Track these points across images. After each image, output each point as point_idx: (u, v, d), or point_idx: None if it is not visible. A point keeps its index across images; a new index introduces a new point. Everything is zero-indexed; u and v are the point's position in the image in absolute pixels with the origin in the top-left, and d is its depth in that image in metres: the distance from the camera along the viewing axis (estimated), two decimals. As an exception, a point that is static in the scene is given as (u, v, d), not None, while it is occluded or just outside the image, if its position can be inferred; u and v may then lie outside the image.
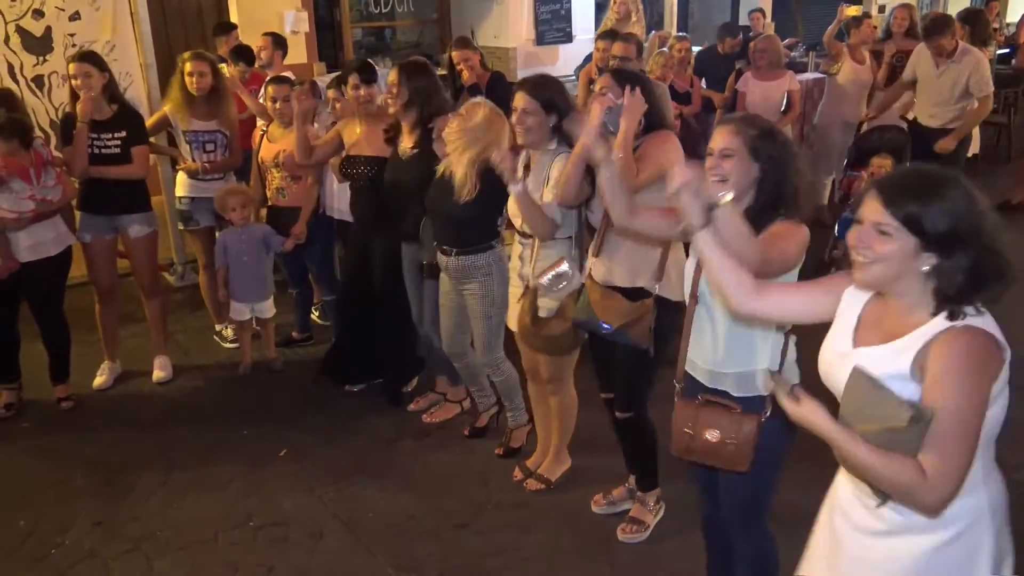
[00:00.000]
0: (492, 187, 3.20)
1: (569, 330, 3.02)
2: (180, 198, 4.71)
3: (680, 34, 6.86)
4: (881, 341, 1.65)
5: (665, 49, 6.12)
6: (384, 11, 9.14)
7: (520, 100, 2.99)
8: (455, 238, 3.37)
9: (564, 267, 2.99)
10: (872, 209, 1.60)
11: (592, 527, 3.20)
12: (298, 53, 7.26)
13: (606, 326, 2.76)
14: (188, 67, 4.38)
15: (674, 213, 2.19)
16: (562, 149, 3.01)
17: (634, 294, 2.80)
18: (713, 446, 2.20)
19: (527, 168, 3.13)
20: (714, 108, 6.44)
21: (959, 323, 1.55)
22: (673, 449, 2.32)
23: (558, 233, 3.04)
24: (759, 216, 2.13)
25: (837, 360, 1.72)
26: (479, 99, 3.44)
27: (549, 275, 3.00)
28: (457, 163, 3.26)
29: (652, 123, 2.79)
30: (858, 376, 1.62)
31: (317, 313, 5.05)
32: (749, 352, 2.22)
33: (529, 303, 3.10)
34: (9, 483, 3.62)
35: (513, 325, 3.28)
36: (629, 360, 2.85)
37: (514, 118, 3.03)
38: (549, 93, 3.01)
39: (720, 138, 2.15)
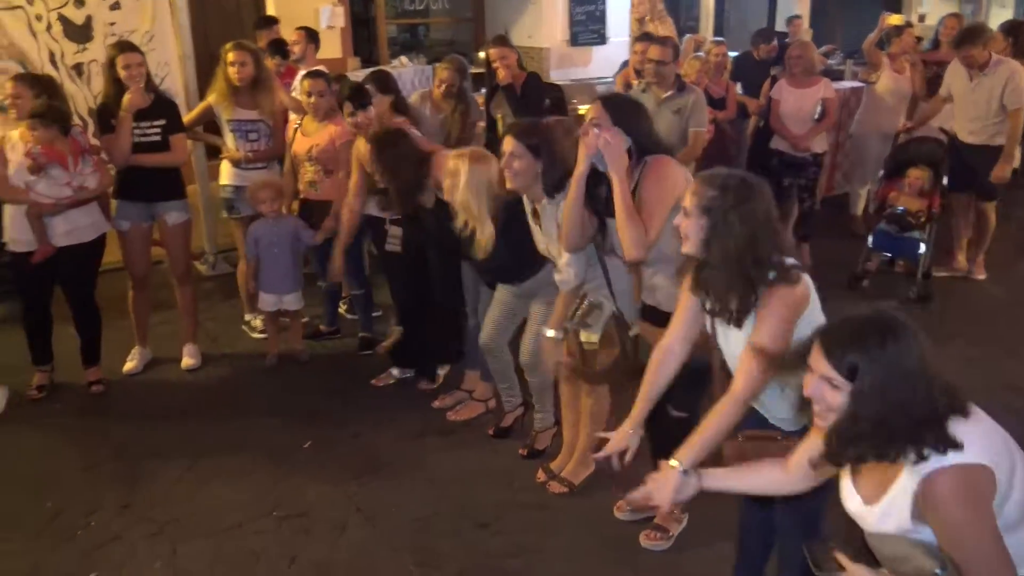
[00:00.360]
0: (508, 227, 3.27)
1: (619, 358, 3.00)
2: (224, 186, 4.76)
3: (717, 38, 6.82)
4: (875, 492, 1.67)
5: (701, 53, 6.08)
6: (419, 8, 9.17)
7: (508, 144, 3.04)
8: (505, 278, 3.46)
9: (588, 301, 3.02)
10: (817, 361, 1.62)
11: (614, 532, 3.18)
12: (333, 48, 7.31)
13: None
14: (230, 57, 4.43)
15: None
16: (563, 197, 2.97)
17: None
18: None
19: (535, 215, 3.16)
20: (749, 114, 6.39)
21: (928, 468, 1.55)
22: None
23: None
24: (746, 287, 2.10)
25: (855, 516, 1.76)
26: (456, 154, 3.41)
27: (577, 314, 3.02)
28: (478, 225, 3.31)
29: (645, 148, 2.74)
30: (877, 543, 1.69)
31: (345, 307, 5.07)
32: (788, 406, 2.17)
33: (572, 343, 3.10)
34: (38, 464, 3.68)
35: None
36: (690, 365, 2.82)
37: (503, 162, 3.06)
38: (536, 139, 3.03)
39: (686, 196, 2.20)
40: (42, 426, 3.98)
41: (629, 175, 2.68)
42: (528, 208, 3.19)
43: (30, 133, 3.88)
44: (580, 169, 2.74)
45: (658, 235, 2.66)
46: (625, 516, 3.24)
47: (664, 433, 3.09)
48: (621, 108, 2.76)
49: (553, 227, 3.05)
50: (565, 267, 3.04)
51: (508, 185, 3.09)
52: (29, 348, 4.21)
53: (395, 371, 4.34)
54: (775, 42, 6.89)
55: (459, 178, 3.28)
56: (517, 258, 3.32)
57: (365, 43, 8.58)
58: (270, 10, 7.10)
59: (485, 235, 3.31)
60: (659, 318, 2.73)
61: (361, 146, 4.07)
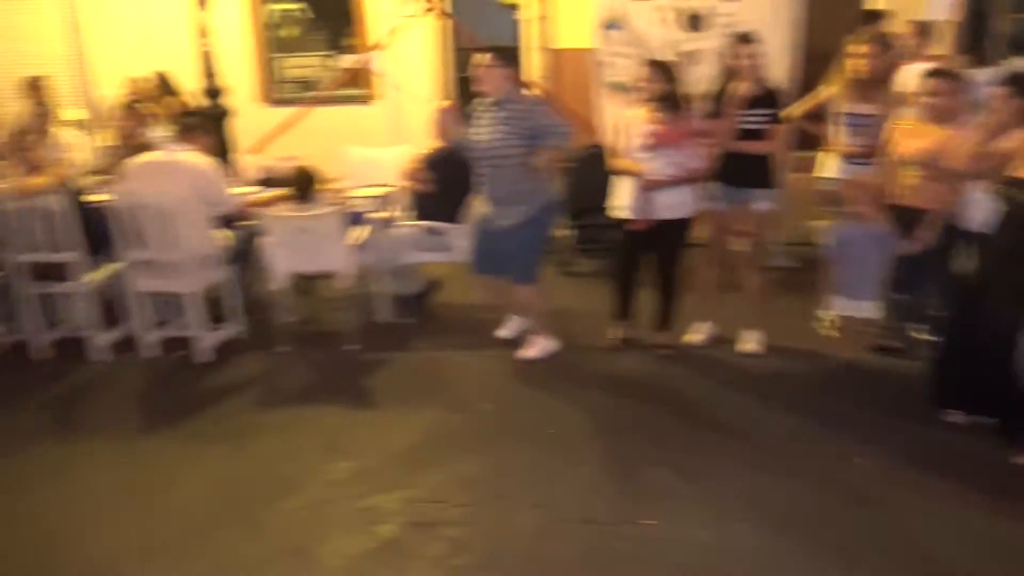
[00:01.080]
0: None
1: None
2: (826, 179, 4.78)
3: None
4: None
5: None
6: (1048, 0, 7.89)
7: None
8: None
9: None
10: None
11: None
12: (939, 43, 6.68)
13: None
14: (857, 49, 4.36)
15: None
16: None
17: None
18: None
19: None
20: None
21: None
22: None
23: None
24: None
25: None
26: None
27: None
28: None
29: None
30: None
31: (920, 326, 4.64)
32: None
33: None
34: (579, 399, 4.16)
35: None
36: None
37: None
38: None
39: None
40: (608, 369, 4.50)
41: None
42: None
43: (652, 115, 4.31)
44: None
45: None
46: None
47: None
48: None
49: None
50: None
51: None
52: (613, 303, 4.73)
53: (955, 414, 3.84)
54: None
55: None
56: None
57: (972, 39, 7.69)
58: (879, 3, 6.79)
59: None
60: None
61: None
